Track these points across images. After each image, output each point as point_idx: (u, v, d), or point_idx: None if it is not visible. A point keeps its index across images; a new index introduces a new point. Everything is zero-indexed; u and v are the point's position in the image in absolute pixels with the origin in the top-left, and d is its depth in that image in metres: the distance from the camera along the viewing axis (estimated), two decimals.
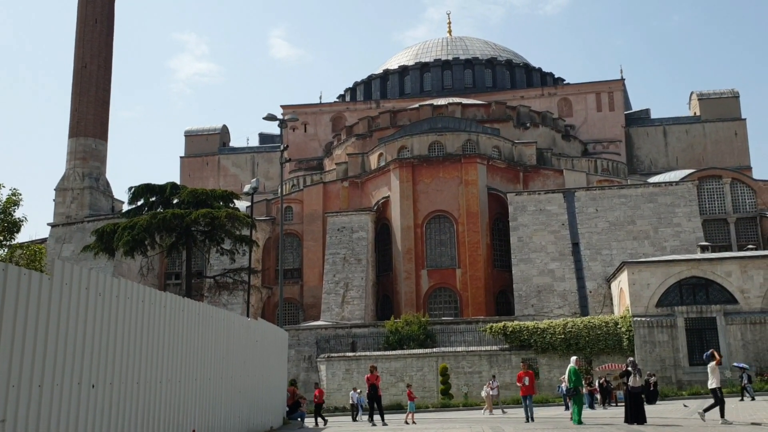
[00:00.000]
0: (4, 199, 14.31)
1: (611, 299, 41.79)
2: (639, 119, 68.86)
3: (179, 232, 34.17)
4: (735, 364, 30.77)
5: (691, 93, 69.30)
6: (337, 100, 73.39)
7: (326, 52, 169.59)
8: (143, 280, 43.83)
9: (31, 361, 7.66)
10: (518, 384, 21.72)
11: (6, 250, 14.06)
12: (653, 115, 69.77)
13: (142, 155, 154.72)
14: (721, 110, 65.87)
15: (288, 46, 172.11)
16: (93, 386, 9.02)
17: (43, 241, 55.11)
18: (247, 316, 33.08)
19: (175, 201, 36.11)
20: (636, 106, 74.01)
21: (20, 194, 14.28)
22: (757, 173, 60.36)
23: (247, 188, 32.31)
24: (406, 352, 37.76)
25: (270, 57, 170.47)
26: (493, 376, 32.76)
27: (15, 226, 14.25)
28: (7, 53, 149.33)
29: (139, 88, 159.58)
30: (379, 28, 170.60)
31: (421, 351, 37.63)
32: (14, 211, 14.26)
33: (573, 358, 19.75)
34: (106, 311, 9.43)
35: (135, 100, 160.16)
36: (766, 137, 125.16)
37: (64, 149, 58.89)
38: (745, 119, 65.36)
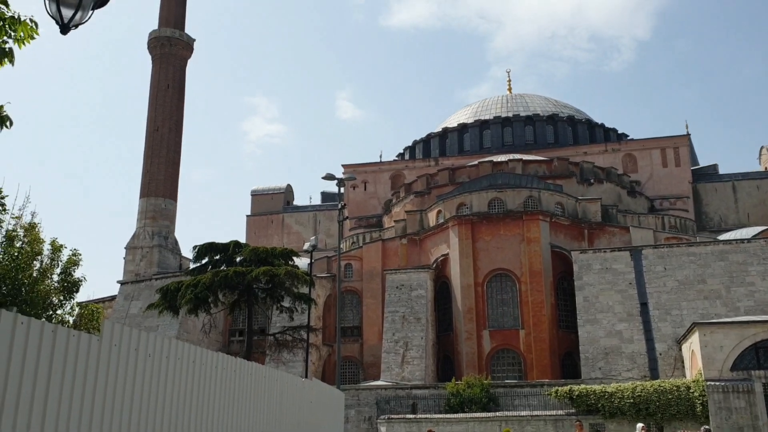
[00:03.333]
0: (65, 259, 14.94)
1: (682, 362, 39.86)
2: (706, 175, 66.81)
3: (241, 289, 34.66)
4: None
5: (761, 147, 67.15)
6: (397, 158, 74.18)
7: (389, 111, 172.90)
8: (206, 338, 44.47)
9: (77, 423, 7.72)
10: None
11: (65, 309, 14.61)
12: (721, 171, 67.64)
13: (212, 213, 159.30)
14: None
15: (353, 108, 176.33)
16: None
17: (113, 298, 56.86)
18: (306, 375, 33.00)
19: (237, 259, 36.78)
20: (703, 162, 71.95)
21: (80, 254, 14.90)
22: None
23: (306, 246, 32.67)
24: (468, 415, 36.75)
25: (336, 118, 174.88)
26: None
27: (75, 286, 14.82)
28: (82, 115, 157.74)
29: (213, 149, 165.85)
30: (443, 87, 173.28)
31: (483, 414, 36.56)
32: (74, 271, 14.88)
33: (639, 426, 18.81)
34: (155, 372, 9.48)
35: (209, 161, 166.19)
36: None
37: (135, 208, 61.16)
38: None
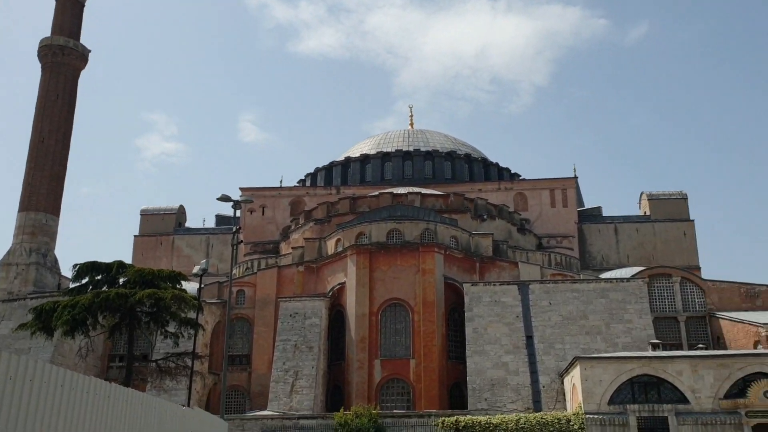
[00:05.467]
0: None
1: (564, 395, 41.28)
2: (591, 216, 70.45)
3: (123, 312, 32.98)
4: None
5: (642, 193, 71.51)
6: (298, 184, 73.63)
7: (294, 137, 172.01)
8: (83, 363, 41.90)
9: None
10: None
11: None
12: (605, 213, 71.55)
13: (100, 232, 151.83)
14: (670, 211, 67.89)
15: (257, 131, 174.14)
16: None
17: None
18: (188, 403, 31.64)
19: (121, 280, 35.03)
20: (588, 203, 75.89)
21: None
22: (706, 273, 61.54)
23: (196, 269, 31.58)
24: None
25: (238, 140, 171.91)
26: None
27: None
28: None
29: (103, 165, 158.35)
30: (348, 117, 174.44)
31: None
32: None
33: None
34: (16, 396, 8.70)
35: (98, 176, 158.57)
36: (714, 238, 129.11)
37: (12, 223, 57.36)
38: (693, 220, 67.31)
